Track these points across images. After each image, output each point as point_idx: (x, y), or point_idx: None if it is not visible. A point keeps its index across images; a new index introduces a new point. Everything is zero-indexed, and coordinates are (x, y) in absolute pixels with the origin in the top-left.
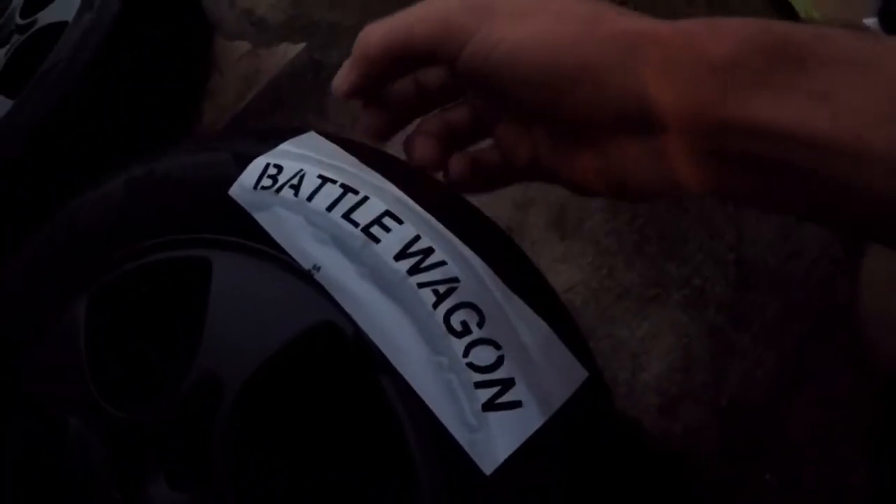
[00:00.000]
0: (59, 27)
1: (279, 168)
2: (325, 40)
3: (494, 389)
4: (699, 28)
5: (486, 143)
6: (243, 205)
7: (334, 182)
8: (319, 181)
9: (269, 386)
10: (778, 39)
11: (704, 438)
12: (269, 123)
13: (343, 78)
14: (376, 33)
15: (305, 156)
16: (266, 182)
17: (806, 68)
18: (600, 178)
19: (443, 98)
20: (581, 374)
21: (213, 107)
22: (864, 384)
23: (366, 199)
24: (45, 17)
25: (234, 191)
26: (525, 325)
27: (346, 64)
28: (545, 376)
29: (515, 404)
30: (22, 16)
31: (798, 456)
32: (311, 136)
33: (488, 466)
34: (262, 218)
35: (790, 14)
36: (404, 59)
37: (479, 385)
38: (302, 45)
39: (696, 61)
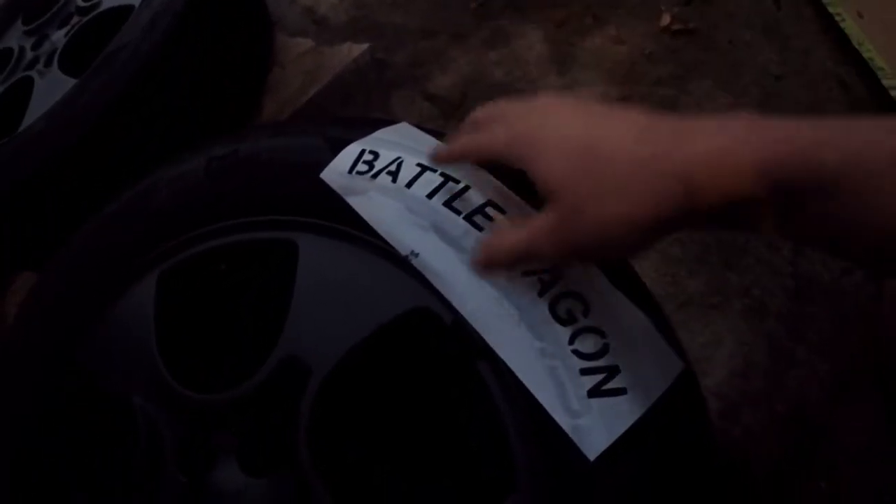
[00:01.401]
0: (122, 11)
1: (375, 154)
2: (389, 42)
3: (600, 376)
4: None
5: None
6: (336, 188)
7: (434, 171)
8: (419, 169)
9: (358, 371)
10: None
11: (762, 443)
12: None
13: None
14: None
15: (401, 144)
16: (362, 167)
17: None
18: None
19: None
20: (678, 365)
21: (273, 100)
22: None
23: (467, 188)
24: (109, 0)
25: (327, 174)
26: (626, 316)
27: None
28: (646, 366)
29: (620, 391)
30: None
31: (850, 465)
32: (405, 126)
33: (592, 452)
34: (356, 202)
35: (844, 43)
36: None
37: (584, 372)
38: (366, 45)
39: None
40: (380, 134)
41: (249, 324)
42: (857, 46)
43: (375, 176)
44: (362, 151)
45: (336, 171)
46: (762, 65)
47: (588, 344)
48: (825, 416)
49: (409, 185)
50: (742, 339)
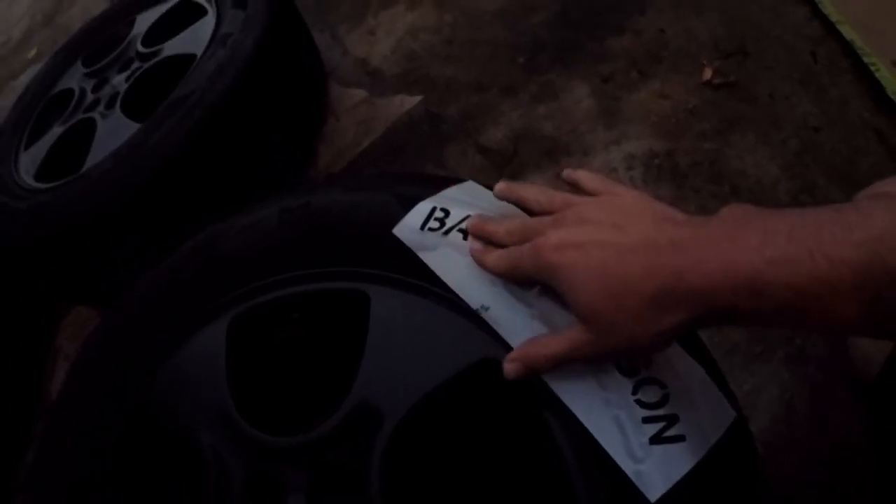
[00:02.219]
0: (184, 59)
1: (446, 212)
2: (441, 95)
3: (661, 424)
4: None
5: None
6: (408, 244)
7: None
8: None
9: (427, 418)
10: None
11: (805, 488)
12: (388, 170)
13: None
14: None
15: (470, 203)
16: (433, 224)
17: None
18: None
19: None
20: (731, 413)
21: (328, 150)
22: None
23: None
24: (171, 48)
25: (399, 230)
26: (684, 369)
27: None
28: (703, 415)
29: (679, 438)
30: (144, 44)
31: None
32: (472, 184)
33: (653, 495)
34: (427, 257)
35: (880, 93)
36: None
37: (646, 420)
38: (419, 98)
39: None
40: (449, 192)
41: (319, 369)
42: (891, 96)
43: (447, 233)
44: (433, 209)
45: (408, 227)
46: (801, 117)
47: (650, 394)
48: (865, 459)
49: None
50: (784, 387)
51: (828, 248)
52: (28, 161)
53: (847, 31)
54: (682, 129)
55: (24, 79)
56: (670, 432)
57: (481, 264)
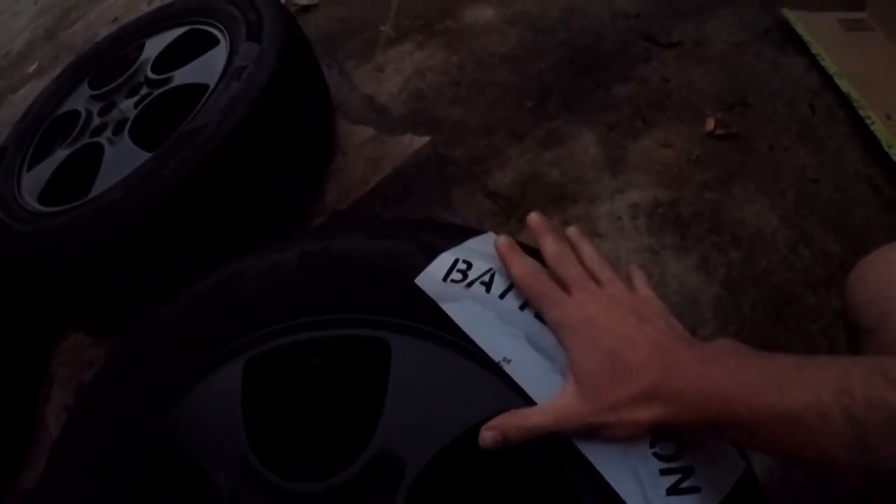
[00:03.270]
0: (196, 89)
1: (468, 264)
2: (448, 136)
3: (677, 476)
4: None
5: None
6: (431, 294)
7: None
8: (510, 281)
9: (448, 468)
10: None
11: None
12: (397, 211)
13: None
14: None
15: (492, 255)
16: (456, 276)
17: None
18: None
19: None
20: (741, 464)
21: (336, 186)
22: None
23: None
24: (182, 76)
25: (422, 280)
26: None
27: None
28: (715, 466)
29: (695, 489)
30: (154, 71)
31: None
32: (492, 236)
33: None
34: (450, 309)
35: (875, 145)
36: None
37: (663, 472)
38: (426, 139)
39: None
40: (471, 244)
41: (338, 415)
42: (886, 149)
43: (469, 285)
44: (456, 261)
45: (431, 278)
46: (799, 168)
47: (667, 447)
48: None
49: (501, 296)
50: None
51: (786, 383)
52: (31, 182)
53: (844, 85)
54: (684, 179)
55: (24, 93)
56: (686, 484)
57: (508, 259)
